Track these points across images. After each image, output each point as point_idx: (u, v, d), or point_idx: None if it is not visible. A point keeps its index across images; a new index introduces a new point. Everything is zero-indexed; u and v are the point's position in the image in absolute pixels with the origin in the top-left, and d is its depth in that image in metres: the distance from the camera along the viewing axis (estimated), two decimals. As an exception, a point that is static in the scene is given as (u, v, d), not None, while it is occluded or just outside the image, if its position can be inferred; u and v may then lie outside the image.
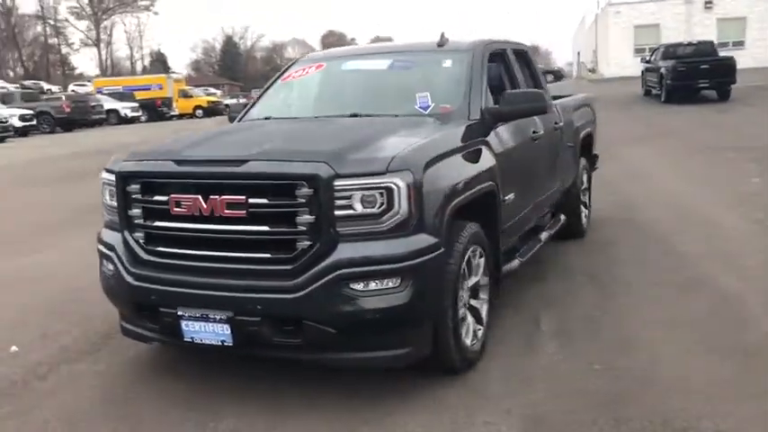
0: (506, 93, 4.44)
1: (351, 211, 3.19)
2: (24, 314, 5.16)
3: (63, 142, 23.99)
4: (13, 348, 4.47)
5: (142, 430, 3.36)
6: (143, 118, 35.65)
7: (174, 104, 38.40)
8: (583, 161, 6.82)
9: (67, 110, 29.39)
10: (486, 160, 4.05)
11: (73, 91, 47.10)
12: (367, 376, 3.70)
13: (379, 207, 3.19)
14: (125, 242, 3.65)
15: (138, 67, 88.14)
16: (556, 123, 5.70)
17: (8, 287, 5.97)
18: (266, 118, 4.74)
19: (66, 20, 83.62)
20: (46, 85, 63.85)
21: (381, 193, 3.19)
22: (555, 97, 6.21)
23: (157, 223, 3.52)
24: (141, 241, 3.59)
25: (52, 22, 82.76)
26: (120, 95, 36.62)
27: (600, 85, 35.52)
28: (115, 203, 3.68)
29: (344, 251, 3.20)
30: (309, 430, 3.26)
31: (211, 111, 38.40)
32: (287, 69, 5.23)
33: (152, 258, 3.55)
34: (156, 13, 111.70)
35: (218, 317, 3.31)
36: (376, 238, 3.22)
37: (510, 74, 5.12)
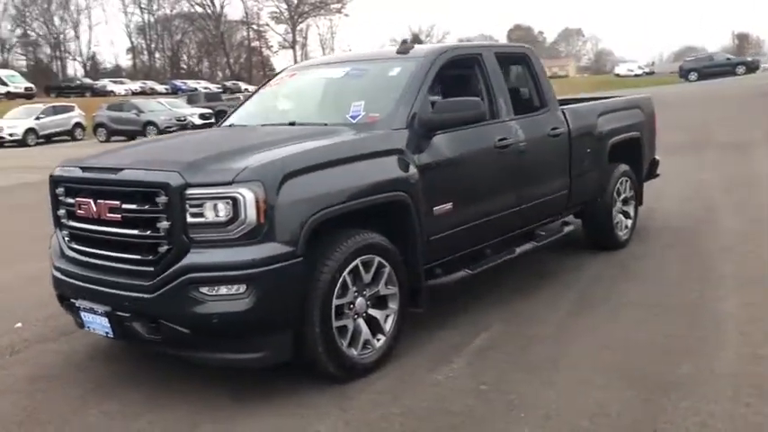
0: (438, 102, 4.34)
1: (202, 219, 3.39)
2: (50, 296, 5.87)
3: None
4: (18, 325, 5.16)
5: (41, 404, 3.78)
6: (315, 115, 37.52)
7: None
8: (622, 168, 6.37)
9: (243, 109, 31.82)
10: (396, 169, 4.02)
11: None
12: (255, 373, 3.83)
13: (227, 216, 3.35)
14: (57, 239, 4.12)
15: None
16: (554, 129, 5.41)
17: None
18: (230, 125, 5.04)
19: (267, 24, 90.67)
20: (244, 86, 69.36)
21: (228, 203, 3.34)
22: (563, 102, 5.87)
23: (71, 223, 3.95)
24: (66, 239, 4.04)
25: (255, 27, 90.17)
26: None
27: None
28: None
29: (195, 256, 3.40)
30: (162, 420, 3.50)
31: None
32: (273, 78, 5.49)
33: (70, 254, 3.99)
34: (346, 15, 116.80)
35: (100, 310, 3.66)
36: (225, 246, 3.39)
37: (485, 80, 4.95)
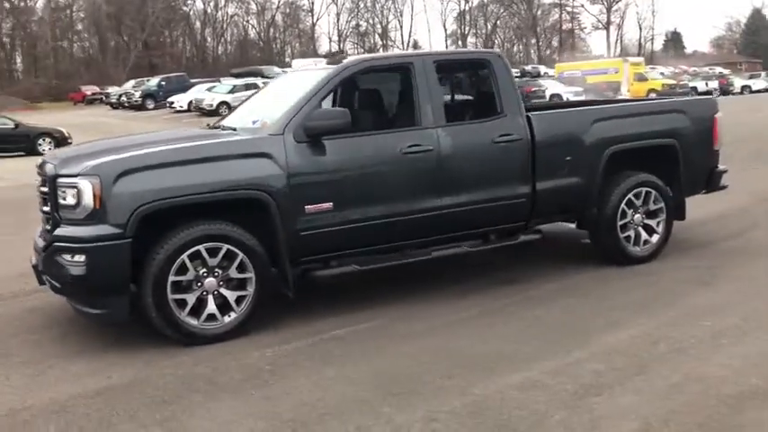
0: (314, 111, 4.75)
1: (65, 202, 4.43)
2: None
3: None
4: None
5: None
6: (585, 102, 36.43)
7: (626, 88, 38.04)
8: (639, 177, 5.91)
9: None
10: (253, 170, 4.60)
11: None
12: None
13: (75, 201, 4.35)
14: (46, 213, 5.51)
15: (648, 48, 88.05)
16: (504, 135, 5.35)
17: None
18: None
19: (582, 5, 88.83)
20: (544, 69, 69.10)
21: (75, 190, 4.34)
22: (528, 108, 5.64)
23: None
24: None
25: (569, 9, 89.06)
26: (572, 80, 38.16)
27: None
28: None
29: (60, 230, 4.47)
30: (28, 357, 4.49)
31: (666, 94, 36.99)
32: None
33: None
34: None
35: (33, 263, 4.93)
36: (76, 224, 4.40)
37: (413, 88, 5.15)
